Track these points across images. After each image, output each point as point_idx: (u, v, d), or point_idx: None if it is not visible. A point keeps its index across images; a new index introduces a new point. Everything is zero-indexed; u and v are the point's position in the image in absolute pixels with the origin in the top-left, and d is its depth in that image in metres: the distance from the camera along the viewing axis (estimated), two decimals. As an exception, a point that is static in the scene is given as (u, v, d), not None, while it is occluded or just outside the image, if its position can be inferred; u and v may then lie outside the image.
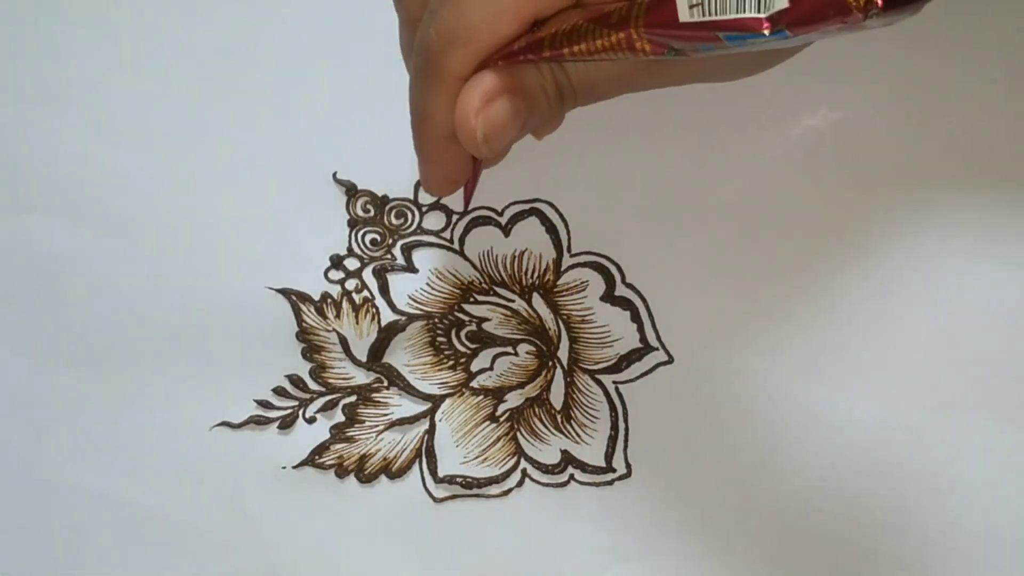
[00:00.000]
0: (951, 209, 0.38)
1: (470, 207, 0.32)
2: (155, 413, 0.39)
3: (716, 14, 0.21)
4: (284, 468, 0.39)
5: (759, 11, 0.21)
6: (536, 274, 0.39)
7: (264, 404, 0.39)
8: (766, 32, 0.21)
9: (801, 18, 0.20)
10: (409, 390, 0.39)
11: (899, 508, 0.38)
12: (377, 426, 0.39)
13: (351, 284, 0.39)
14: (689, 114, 0.38)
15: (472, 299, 0.39)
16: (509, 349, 0.39)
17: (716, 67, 0.27)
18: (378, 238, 0.39)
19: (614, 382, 0.39)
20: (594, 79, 0.27)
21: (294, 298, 0.39)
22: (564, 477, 0.39)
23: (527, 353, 0.39)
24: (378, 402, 0.39)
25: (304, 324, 0.39)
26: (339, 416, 0.39)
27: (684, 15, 0.22)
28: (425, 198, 0.39)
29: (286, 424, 0.39)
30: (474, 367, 0.39)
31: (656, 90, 0.31)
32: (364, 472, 0.39)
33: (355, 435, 0.39)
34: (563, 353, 0.39)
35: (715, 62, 0.26)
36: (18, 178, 0.40)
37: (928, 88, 0.38)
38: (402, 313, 0.39)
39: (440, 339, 0.39)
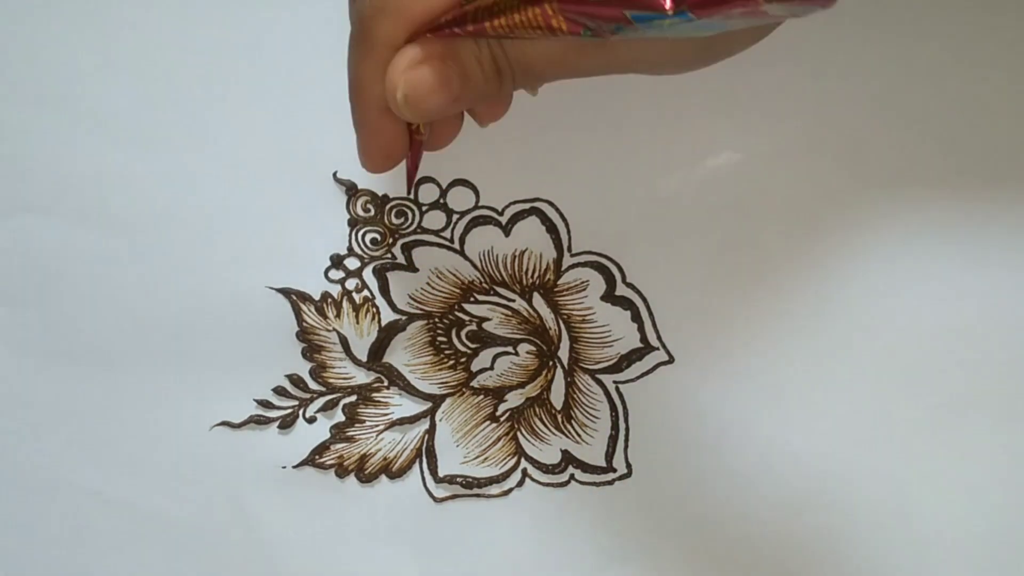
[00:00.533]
0: (950, 208, 0.38)
1: (413, 193, 0.32)
2: (155, 412, 0.39)
3: None
4: (284, 468, 0.39)
5: None
6: (536, 274, 0.39)
7: (264, 404, 0.39)
8: (669, 11, 0.21)
9: (703, 0, 0.21)
10: (409, 390, 0.39)
11: (899, 508, 0.38)
12: (377, 426, 0.39)
13: (351, 284, 0.39)
14: (689, 114, 0.38)
15: (472, 299, 0.39)
16: (509, 349, 0.39)
17: (657, 56, 0.27)
18: (378, 237, 0.39)
19: (614, 382, 0.39)
20: (530, 58, 0.27)
21: (294, 298, 0.39)
22: (564, 477, 0.39)
23: (527, 353, 0.39)
24: (378, 402, 0.39)
25: (304, 324, 0.39)
26: (339, 416, 0.39)
27: None
28: (425, 197, 0.39)
29: (286, 424, 0.39)
30: (474, 367, 0.39)
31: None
32: (364, 472, 0.39)
33: (355, 435, 0.39)
34: (563, 353, 0.39)
35: (656, 50, 0.26)
36: (18, 177, 0.40)
37: (921, 87, 0.38)
38: (402, 313, 0.39)
39: (440, 339, 0.39)
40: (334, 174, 0.39)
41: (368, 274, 0.39)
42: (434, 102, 0.27)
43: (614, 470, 0.39)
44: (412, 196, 0.37)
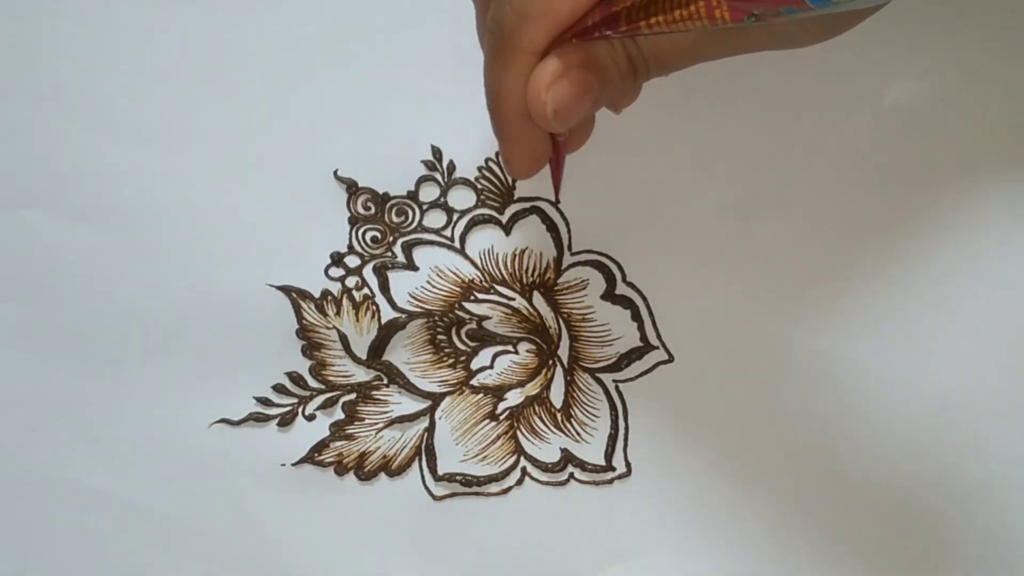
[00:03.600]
0: (949, 207, 0.39)
1: (558, 197, 0.32)
2: (154, 410, 0.39)
3: None
4: (283, 465, 0.39)
5: None
6: (537, 272, 0.39)
7: (264, 401, 0.39)
8: None
9: None
10: (409, 388, 0.39)
11: (899, 507, 0.38)
12: (377, 424, 0.39)
13: (351, 281, 0.39)
14: (690, 113, 0.39)
15: (472, 297, 0.39)
16: (509, 347, 0.39)
17: (788, 33, 0.27)
18: (379, 236, 0.39)
19: (614, 381, 0.39)
20: (665, 49, 0.27)
21: (294, 295, 0.39)
22: (564, 476, 0.39)
23: (527, 351, 0.39)
24: (378, 400, 0.39)
25: (304, 321, 0.39)
26: (339, 414, 0.39)
27: None
28: (426, 196, 0.39)
29: (285, 421, 0.39)
30: (474, 365, 0.39)
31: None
32: (363, 470, 0.39)
33: (355, 433, 0.39)
34: (563, 351, 0.39)
35: (787, 28, 0.26)
36: (18, 174, 0.40)
37: (921, 89, 0.38)
38: (402, 311, 0.39)
39: (440, 337, 0.39)
40: (335, 172, 0.39)
41: (368, 272, 0.39)
42: (579, 111, 0.27)
43: (613, 469, 0.39)
44: (555, 199, 0.36)
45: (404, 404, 0.39)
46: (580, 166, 0.39)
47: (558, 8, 0.26)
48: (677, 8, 0.24)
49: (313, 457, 0.39)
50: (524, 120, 0.28)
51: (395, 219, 0.39)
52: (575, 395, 0.39)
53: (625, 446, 0.39)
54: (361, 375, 0.39)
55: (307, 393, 0.39)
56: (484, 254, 0.39)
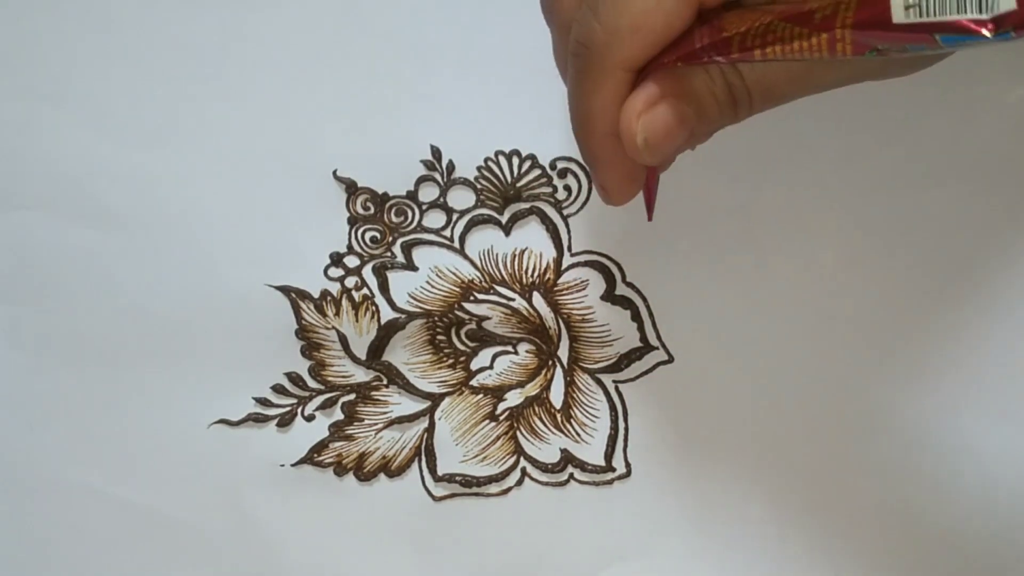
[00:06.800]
0: (947, 205, 0.39)
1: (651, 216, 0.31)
2: (153, 410, 0.39)
3: (935, 15, 0.20)
4: (282, 466, 0.39)
5: (982, 12, 0.20)
6: (536, 273, 0.39)
7: (263, 402, 0.39)
8: (988, 34, 0.20)
9: None
10: (408, 388, 0.39)
11: (899, 507, 0.38)
12: (376, 424, 0.39)
13: (351, 282, 0.39)
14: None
15: (472, 298, 0.39)
16: (509, 348, 0.39)
17: (896, 64, 0.25)
18: (378, 236, 0.39)
19: (614, 381, 0.39)
20: (772, 80, 0.25)
21: (293, 295, 0.39)
22: (564, 476, 0.39)
23: (527, 352, 0.39)
24: (377, 400, 0.39)
25: (303, 321, 0.39)
26: (338, 414, 0.39)
27: (899, 16, 0.21)
28: (425, 196, 0.39)
29: (285, 422, 0.39)
30: (474, 366, 0.39)
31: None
32: (363, 470, 0.39)
33: (354, 433, 0.39)
34: (563, 352, 0.39)
35: (897, 60, 0.24)
36: (15, 174, 0.40)
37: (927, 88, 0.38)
38: (402, 311, 0.39)
39: (440, 337, 0.39)
40: (334, 172, 0.39)
41: (368, 272, 0.39)
42: (673, 145, 0.25)
43: (613, 469, 0.39)
44: (649, 219, 0.35)
45: (404, 405, 0.39)
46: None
47: (652, 22, 0.24)
48: (797, 39, 0.22)
49: (312, 458, 0.39)
50: (616, 142, 0.26)
51: (394, 219, 0.39)
52: (575, 396, 0.39)
53: (625, 447, 0.39)
54: (360, 375, 0.39)
55: (306, 393, 0.39)
56: (484, 254, 0.39)
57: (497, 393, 0.39)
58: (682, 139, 0.25)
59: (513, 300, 0.39)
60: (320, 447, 0.39)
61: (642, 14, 0.24)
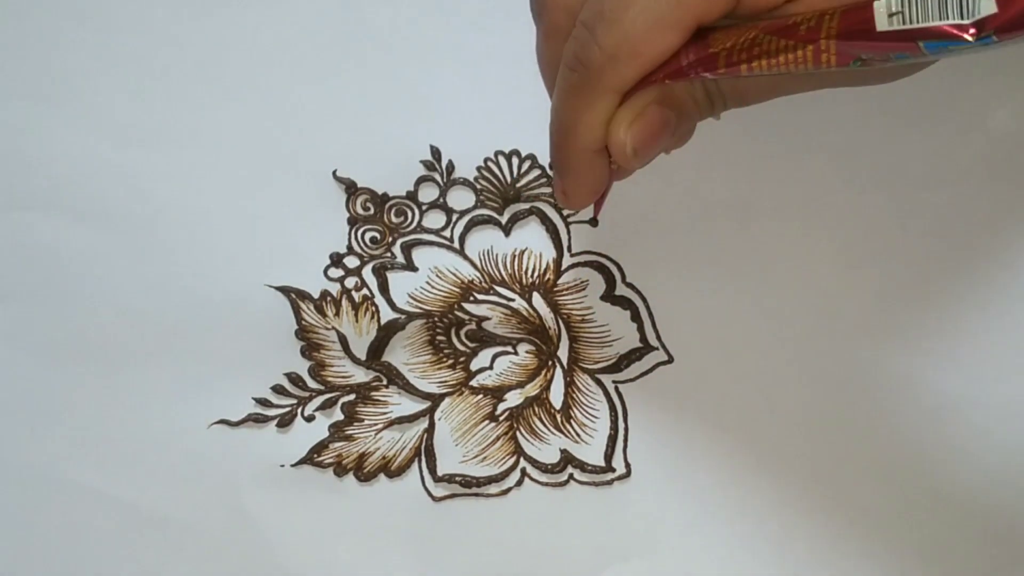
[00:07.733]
0: (946, 205, 0.39)
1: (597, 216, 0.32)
2: (153, 410, 0.39)
3: (918, 22, 0.21)
4: (282, 466, 0.39)
5: (963, 17, 0.20)
6: (536, 273, 0.39)
7: (263, 402, 0.39)
8: (970, 39, 0.20)
9: (1011, 23, 0.20)
10: (408, 389, 0.39)
11: (899, 507, 0.38)
12: (376, 424, 0.39)
13: (350, 282, 0.39)
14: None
15: (472, 298, 0.39)
16: (509, 348, 0.39)
17: (875, 73, 0.26)
18: (378, 236, 0.39)
19: (614, 382, 0.39)
20: (744, 87, 0.26)
21: (293, 296, 0.39)
22: (563, 476, 0.39)
23: (527, 352, 0.39)
24: (377, 400, 0.39)
25: (303, 322, 0.39)
26: (338, 414, 0.39)
27: (883, 24, 0.21)
28: (425, 197, 0.39)
29: (285, 422, 0.39)
30: (474, 366, 0.39)
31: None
32: (363, 471, 0.39)
33: (354, 433, 0.39)
34: (563, 352, 0.39)
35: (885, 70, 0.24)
36: (15, 174, 0.40)
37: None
38: (401, 311, 0.39)
39: (440, 338, 0.39)
40: (334, 172, 0.39)
41: (367, 272, 0.39)
42: (658, 146, 0.27)
43: (613, 470, 0.39)
44: (595, 217, 0.36)
45: (403, 405, 0.39)
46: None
47: (650, 50, 0.25)
48: (783, 52, 0.23)
49: (312, 458, 0.39)
50: (593, 156, 0.27)
51: (394, 219, 0.39)
52: (575, 396, 0.39)
53: (625, 447, 0.39)
54: (360, 376, 0.39)
55: (306, 394, 0.39)
56: (483, 255, 0.39)
57: (497, 393, 0.39)
58: (666, 141, 0.27)
59: (513, 300, 0.39)
60: (320, 447, 0.39)
61: (642, 41, 0.24)
